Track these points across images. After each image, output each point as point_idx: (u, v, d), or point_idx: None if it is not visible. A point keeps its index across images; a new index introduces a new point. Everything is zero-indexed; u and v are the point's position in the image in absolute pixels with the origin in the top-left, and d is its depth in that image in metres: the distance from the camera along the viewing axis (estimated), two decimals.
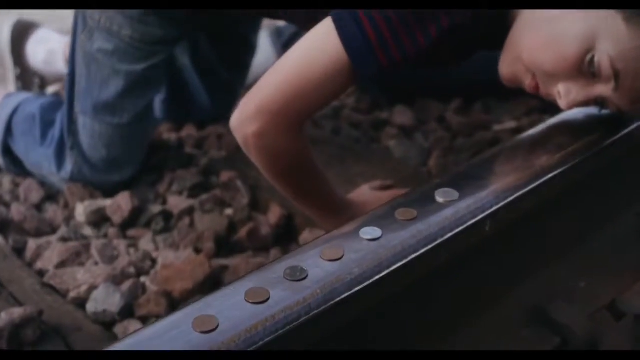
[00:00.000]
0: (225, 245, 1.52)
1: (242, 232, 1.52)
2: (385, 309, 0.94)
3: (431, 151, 1.85)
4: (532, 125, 1.89)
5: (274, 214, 1.57)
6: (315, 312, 0.83)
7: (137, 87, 1.59)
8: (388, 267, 0.90)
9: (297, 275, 0.86)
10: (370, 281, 0.88)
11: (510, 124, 1.98)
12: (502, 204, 1.02)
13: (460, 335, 1.06)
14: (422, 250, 0.93)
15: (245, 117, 1.22)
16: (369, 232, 0.94)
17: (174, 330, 0.79)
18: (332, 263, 0.89)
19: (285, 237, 1.56)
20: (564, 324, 1.10)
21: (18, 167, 1.78)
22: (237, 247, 1.51)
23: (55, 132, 1.69)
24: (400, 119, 2.01)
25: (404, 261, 0.91)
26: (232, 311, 0.81)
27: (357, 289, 0.87)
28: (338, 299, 0.85)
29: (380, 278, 0.89)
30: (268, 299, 0.83)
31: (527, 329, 1.13)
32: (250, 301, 0.82)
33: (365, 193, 1.51)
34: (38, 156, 1.72)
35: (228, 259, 1.47)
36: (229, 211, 1.61)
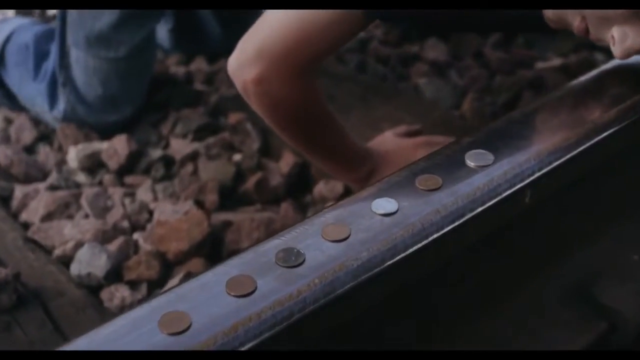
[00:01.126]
0: (230, 196, 1.36)
1: (250, 182, 1.36)
2: (399, 301, 0.78)
3: (466, 91, 1.67)
4: (580, 63, 1.72)
5: (287, 161, 1.41)
6: (311, 307, 0.68)
7: (134, 17, 1.43)
8: (404, 250, 0.73)
9: (292, 260, 0.71)
10: (381, 268, 0.72)
11: (555, 62, 1.80)
12: (545, 169, 0.84)
13: (491, 323, 0.90)
14: (447, 229, 0.76)
15: (243, 60, 1.06)
16: (383, 204, 0.77)
17: (135, 330, 0.65)
18: (335, 244, 0.72)
19: (298, 189, 1.40)
20: (612, 306, 0.96)
21: (12, 101, 1.64)
22: (243, 199, 1.36)
23: (48, 65, 1.54)
24: (432, 54, 1.84)
25: (424, 242, 0.75)
26: (209, 306, 0.66)
27: (364, 277, 0.71)
28: (340, 291, 0.69)
29: (394, 263, 0.72)
30: (254, 290, 0.68)
31: (570, 313, 0.98)
32: (232, 294, 0.67)
33: (388, 140, 1.35)
34: (31, 91, 1.57)
35: (232, 213, 1.31)
36: (237, 157, 1.45)
